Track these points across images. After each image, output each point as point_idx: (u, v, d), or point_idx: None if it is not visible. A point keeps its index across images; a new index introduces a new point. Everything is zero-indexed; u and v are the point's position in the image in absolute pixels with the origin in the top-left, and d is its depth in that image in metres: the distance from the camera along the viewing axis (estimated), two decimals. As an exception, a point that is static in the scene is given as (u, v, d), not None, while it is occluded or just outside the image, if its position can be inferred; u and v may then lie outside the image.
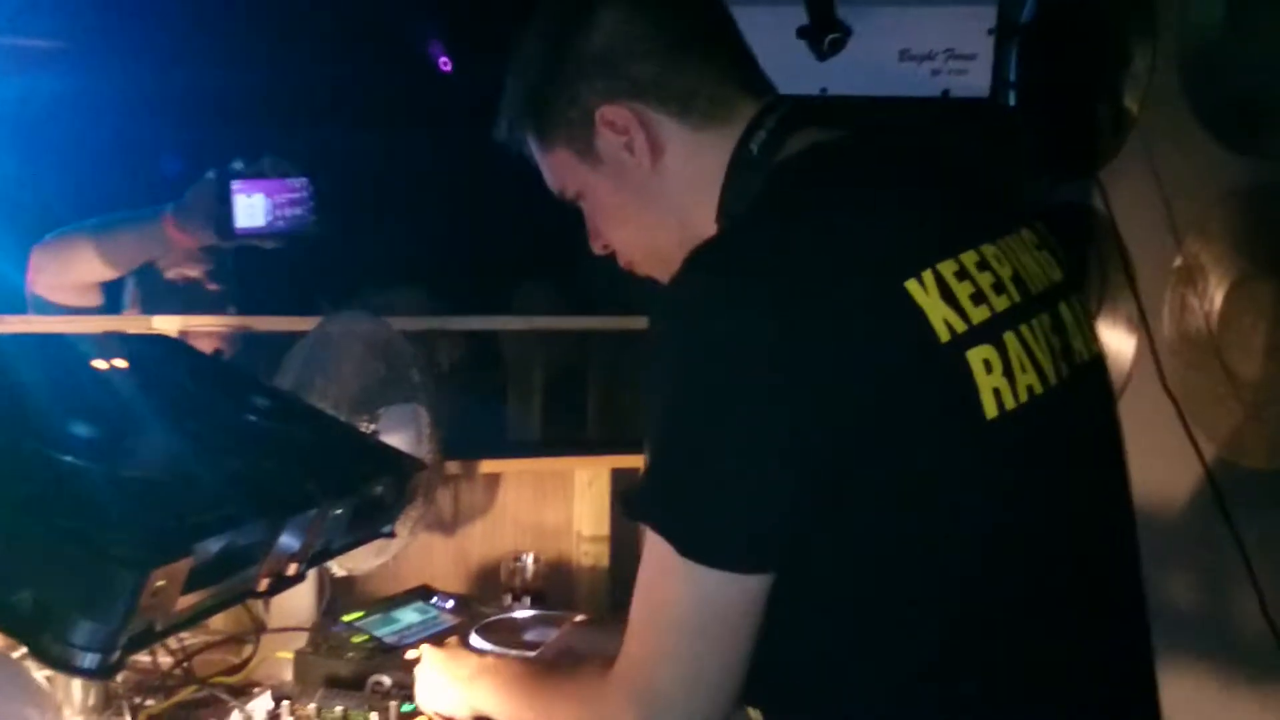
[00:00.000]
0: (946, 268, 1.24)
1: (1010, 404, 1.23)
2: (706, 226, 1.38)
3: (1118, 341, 2.78)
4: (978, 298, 1.24)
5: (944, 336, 1.21)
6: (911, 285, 1.21)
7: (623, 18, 1.38)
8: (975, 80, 2.37)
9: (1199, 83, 2.51)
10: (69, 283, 2.54)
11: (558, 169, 1.47)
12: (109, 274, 2.52)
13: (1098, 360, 1.39)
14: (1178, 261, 2.57)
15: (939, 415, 1.22)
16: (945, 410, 1.22)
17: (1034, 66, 2.42)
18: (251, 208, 2.34)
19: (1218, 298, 2.46)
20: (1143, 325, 2.70)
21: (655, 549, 1.23)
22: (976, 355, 1.22)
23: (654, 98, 1.38)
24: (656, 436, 1.24)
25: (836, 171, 1.35)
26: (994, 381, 1.22)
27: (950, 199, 1.37)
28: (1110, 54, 2.70)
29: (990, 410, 1.22)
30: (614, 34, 1.38)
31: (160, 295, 2.64)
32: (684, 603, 1.22)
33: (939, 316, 1.21)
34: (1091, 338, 1.39)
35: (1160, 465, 2.69)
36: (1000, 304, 1.26)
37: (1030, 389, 1.25)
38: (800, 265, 1.21)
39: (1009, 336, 1.25)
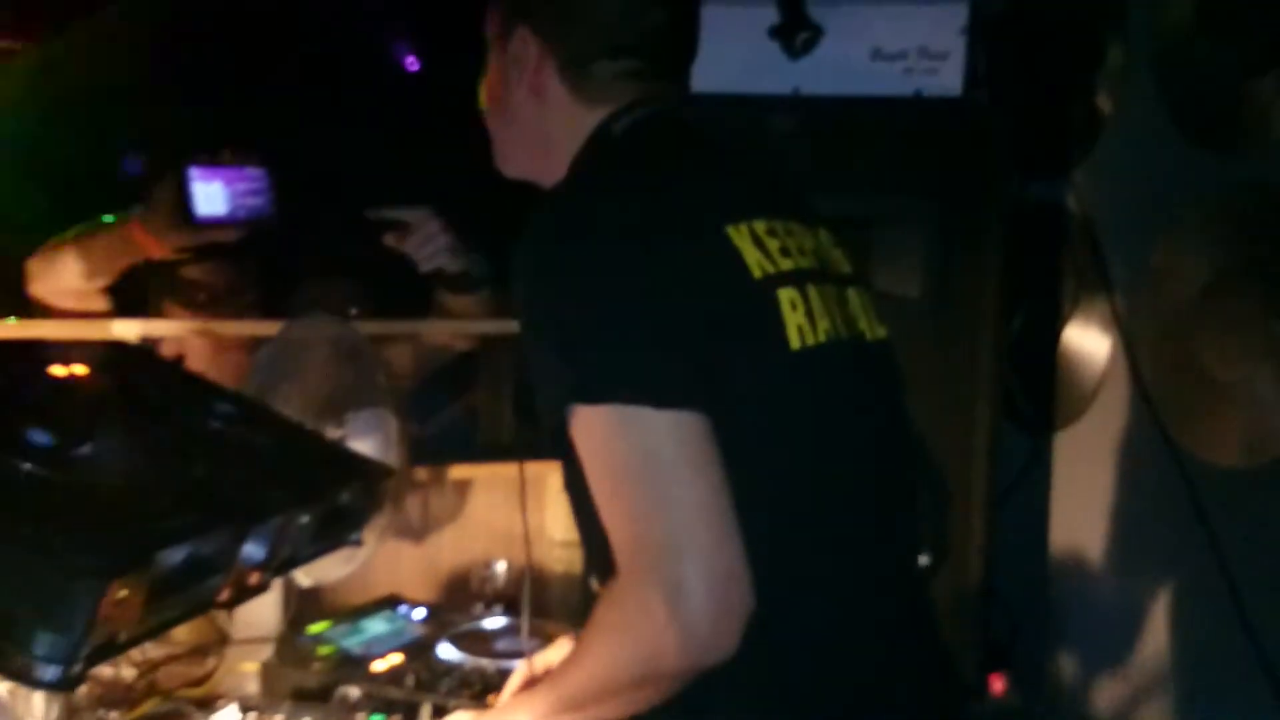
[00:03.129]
0: (759, 225, 1.44)
1: (810, 341, 1.41)
2: (556, 170, 1.54)
3: (1092, 342, 2.78)
4: (784, 252, 1.44)
5: (756, 274, 1.40)
6: (730, 230, 1.41)
7: None
8: (947, 79, 2.36)
9: (1172, 81, 2.51)
10: (59, 290, 2.50)
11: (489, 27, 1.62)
12: (93, 282, 2.49)
13: (885, 343, 1.57)
14: (1152, 261, 2.57)
15: (753, 338, 1.39)
16: (758, 335, 1.40)
17: (1006, 66, 2.41)
18: (211, 195, 2.31)
19: (1192, 297, 2.46)
20: (1117, 325, 2.70)
21: (598, 423, 1.30)
22: (784, 294, 1.41)
23: (562, 57, 1.53)
24: (559, 329, 1.35)
25: (672, 145, 1.53)
26: (798, 319, 1.41)
27: (767, 182, 1.59)
28: (1083, 53, 2.71)
29: (795, 342, 1.40)
30: None
31: (184, 300, 2.61)
32: (642, 451, 1.28)
33: (752, 258, 1.40)
34: (878, 323, 1.57)
35: (1136, 464, 2.69)
36: (802, 263, 1.46)
37: (828, 332, 1.44)
38: (644, 205, 1.41)
39: (810, 288, 1.44)
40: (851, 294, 1.54)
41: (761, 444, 1.36)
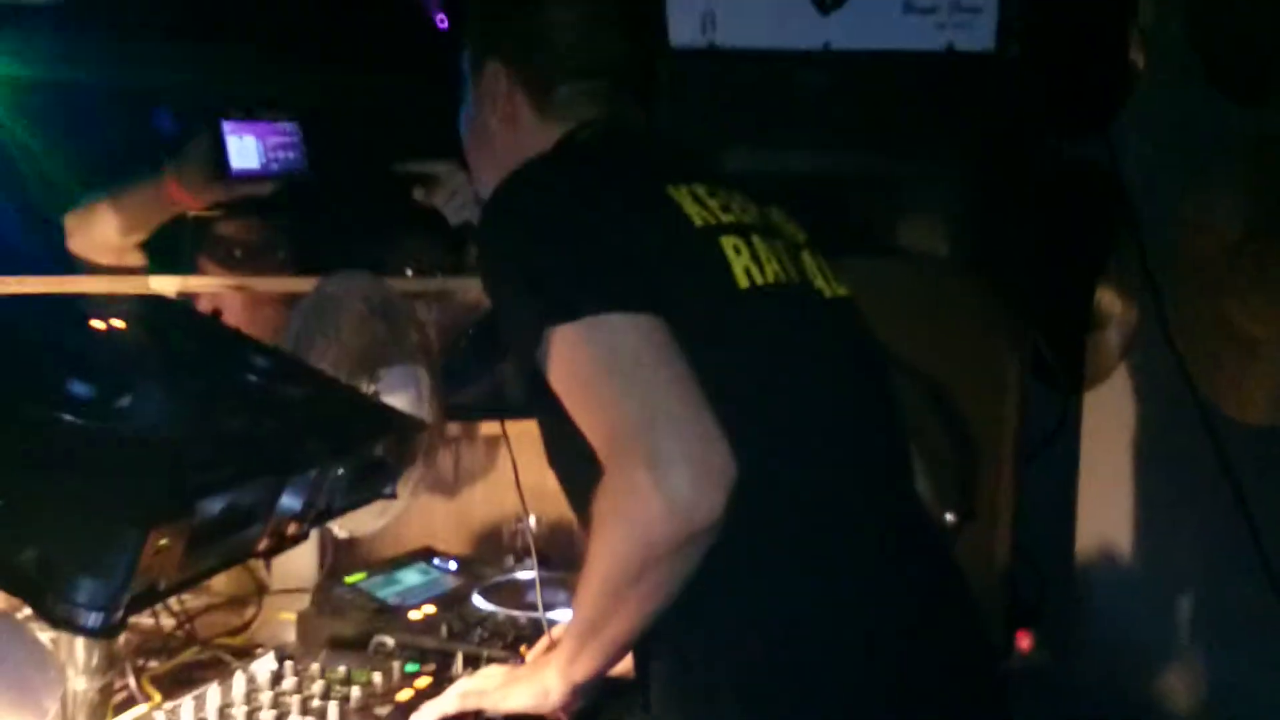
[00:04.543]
0: (699, 187, 1.53)
1: (759, 280, 1.48)
2: None
3: (1123, 300, 2.77)
4: (725, 209, 1.52)
5: (698, 222, 1.48)
6: (669, 188, 1.50)
7: (567, 24, 1.64)
8: (980, 34, 2.34)
9: (1205, 36, 2.49)
10: (97, 245, 2.53)
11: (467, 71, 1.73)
12: (130, 237, 2.51)
13: (848, 301, 1.62)
14: (1183, 217, 2.56)
15: (699, 276, 1.46)
16: (704, 273, 1.46)
17: (1040, 20, 2.39)
18: (244, 149, 2.33)
19: (1223, 253, 2.44)
20: (1148, 280, 2.68)
21: (569, 339, 1.36)
22: (727, 241, 1.48)
23: (530, 83, 1.64)
24: (525, 271, 1.43)
25: (627, 142, 1.64)
26: (744, 262, 1.48)
27: (716, 171, 1.64)
28: (1117, 8, 2.68)
29: (742, 281, 1.47)
30: (546, 26, 1.64)
31: (219, 256, 2.64)
32: (611, 350, 1.35)
33: (692, 210, 1.49)
34: (838, 283, 1.62)
35: (1165, 423, 2.68)
36: (744, 218, 1.53)
37: (777, 275, 1.50)
38: (591, 170, 1.55)
39: (754, 238, 1.51)
40: (806, 255, 1.60)
41: (711, 381, 1.36)
